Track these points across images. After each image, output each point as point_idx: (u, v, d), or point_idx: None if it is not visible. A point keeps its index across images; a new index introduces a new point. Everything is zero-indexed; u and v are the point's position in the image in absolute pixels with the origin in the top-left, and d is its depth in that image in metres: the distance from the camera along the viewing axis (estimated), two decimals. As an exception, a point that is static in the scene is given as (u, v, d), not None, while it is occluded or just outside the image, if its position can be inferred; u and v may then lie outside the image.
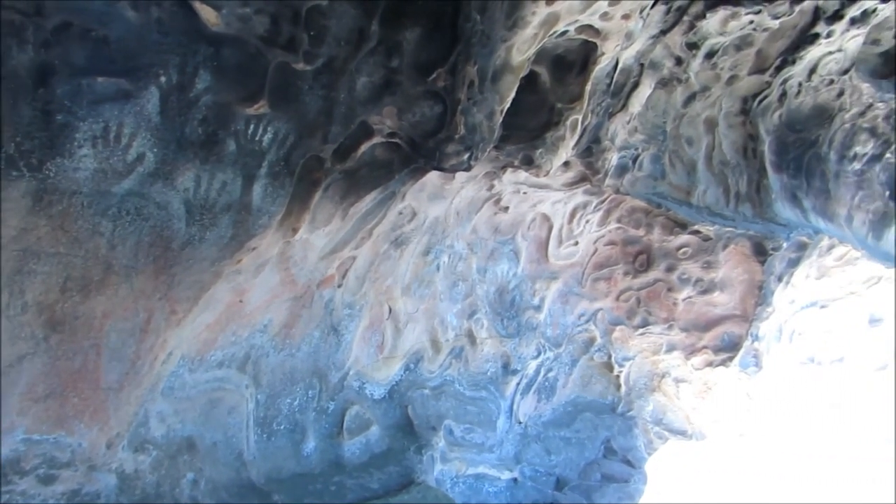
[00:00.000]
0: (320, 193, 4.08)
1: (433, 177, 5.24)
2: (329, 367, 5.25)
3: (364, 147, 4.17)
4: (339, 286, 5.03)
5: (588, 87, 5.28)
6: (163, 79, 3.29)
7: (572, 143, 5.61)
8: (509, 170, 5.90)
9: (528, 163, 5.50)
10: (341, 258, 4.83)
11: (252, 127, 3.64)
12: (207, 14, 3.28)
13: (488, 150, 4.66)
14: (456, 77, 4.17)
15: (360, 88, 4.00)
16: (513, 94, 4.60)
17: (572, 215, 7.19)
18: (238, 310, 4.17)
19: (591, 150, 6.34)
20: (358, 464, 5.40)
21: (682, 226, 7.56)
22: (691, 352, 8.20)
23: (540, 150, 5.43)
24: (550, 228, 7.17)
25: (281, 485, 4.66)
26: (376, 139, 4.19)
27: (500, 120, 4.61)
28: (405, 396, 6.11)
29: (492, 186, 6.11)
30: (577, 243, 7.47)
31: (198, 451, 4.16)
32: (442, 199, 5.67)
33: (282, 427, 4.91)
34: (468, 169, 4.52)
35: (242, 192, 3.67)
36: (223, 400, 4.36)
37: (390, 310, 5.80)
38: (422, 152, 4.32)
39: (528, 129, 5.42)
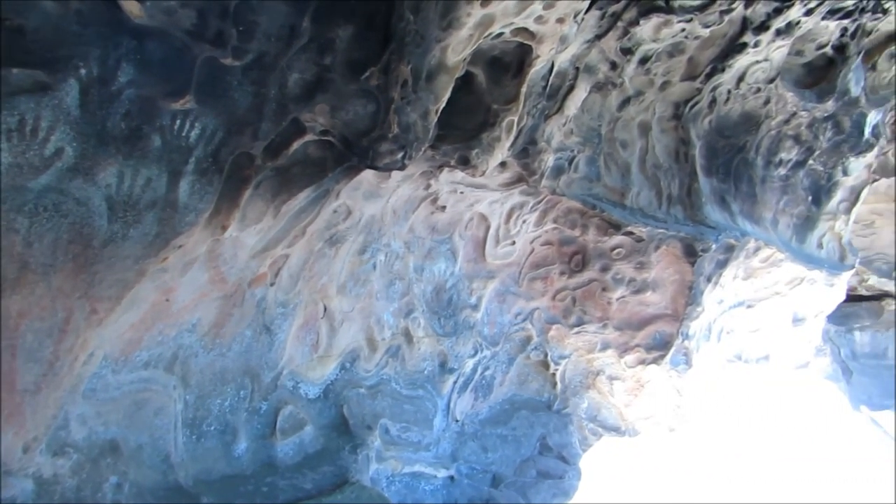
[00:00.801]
0: (251, 191, 4.00)
1: (368, 175, 5.21)
2: (261, 366, 5.16)
3: (296, 145, 4.10)
4: (272, 284, 4.95)
5: (524, 89, 5.32)
6: (83, 71, 3.17)
7: (508, 143, 5.66)
8: (446, 169, 5.91)
9: (465, 163, 5.53)
10: (273, 256, 4.75)
11: (178, 122, 3.55)
12: (130, 6, 3.18)
13: (423, 149, 4.65)
14: (389, 76, 4.15)
15: (291, 85, 3.94)
16: (448, 95, 4.60)
17: (509, 215, 7.27)
18: (164, 309, 4.06)
19: (527, 151, 6.42)
20: (291, 464, 5.33)
21: (617, 227, 7.73)
22: (624, 350, 8.42)
23: (476, 151, 5.46)
24: (488, 228, 7.23)
25: (210, 487, 4.56)
26: (308, 137, 4.13)
27: (435, 120, 4.62)
28: (340, 396, 6.07)
29: (428, 186, 6.12)
30: (514, 243, 7.55)
31: (122, 454, 4.04)
32: (378, 198, 5.64)
33: (212, 428, 4.80)
34: (402, 168, 4.50)
35: (168, 189, 3.56)
36: (149, 401, 4.24)
37: (325, 308, 5.74)
38: (355, 151, 4.28)
39: (463, 130, 5.43)
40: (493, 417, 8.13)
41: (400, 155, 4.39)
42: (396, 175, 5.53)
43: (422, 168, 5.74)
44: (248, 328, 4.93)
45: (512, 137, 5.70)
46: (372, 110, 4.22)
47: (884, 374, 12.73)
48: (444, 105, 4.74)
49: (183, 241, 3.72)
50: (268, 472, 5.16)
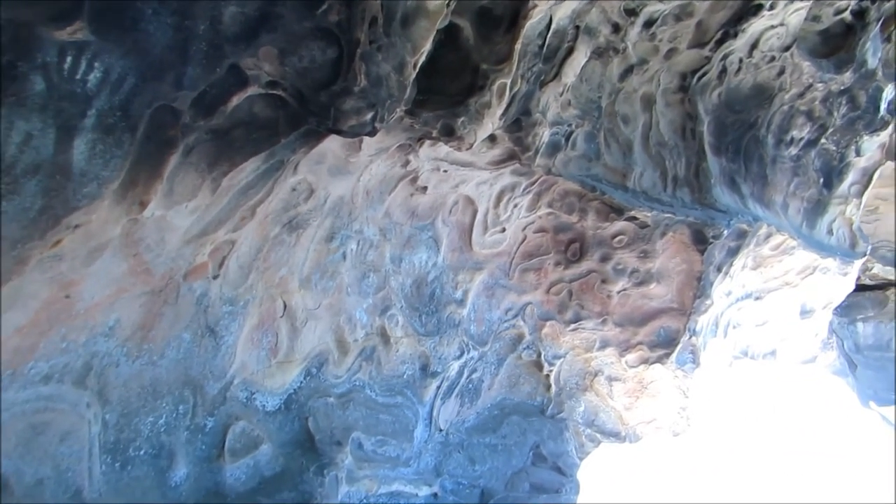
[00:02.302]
0: (178, 158, 3.13)
1: (334, 147, 4.37)
2: (205, 376, 4.29)
3: (236, 100, 3.23)
4: (215, 277, 4.08)
5: (518, 47, 4.50)
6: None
7: (499, 111, 4.84)
8: (427, 142, 5.08)
9: (449, 133, 4.70)
10: (214, 242, 3.88)
11: (70, 60, 2.66)
12: None
13: (397, 111, 3.80)
14: (353, 11, 3.28)
15: (227, 21, 3.06)
16: (428, 46, 3.77)
17: (499, 198, 6.45)
18: (65, 308, 3.17)
19: (520, 123, 5.60)
20: (243, 491, 4.48)
21: (618, 211, 6.94)
22: (626, 348, 7.66)
23: (462, 119, 4.63)
24: (475, 213, 6.41)
25: (138, 526, 3.70)
26: (252, 90, 3.25)
27: (414, 76, 3.78)
28: (305, 407, 5.21)
29: (407, 162, 5.28)
30: (504, 230, 6.74)
31: (13, 493, 3.16)
32: (346, 175, 4.79)
33: (141, 452, 3.93)
34: (372, 133, 3.66)
35: (56, 149, 2.67)
36: (52, 424, 3.36)
37: (285, 305, 4.87)
38: (312, 109, 3.42)
39: (447, 94, 4.60)
40: (482, 425, 7.31)
41: (369, 116, 3.53)
42: (368, 148, 4.67)
43: (398, 140, 4.89)
44: (186, 330, 4.05)
45: (504, 104, 4.86)
46: (332, 56, 3.34)
47: (887, 366, 12.10)
48: (423, 60, 3.89)
49: (82, 220, 2.83)
50: (214, 501, 4.31)
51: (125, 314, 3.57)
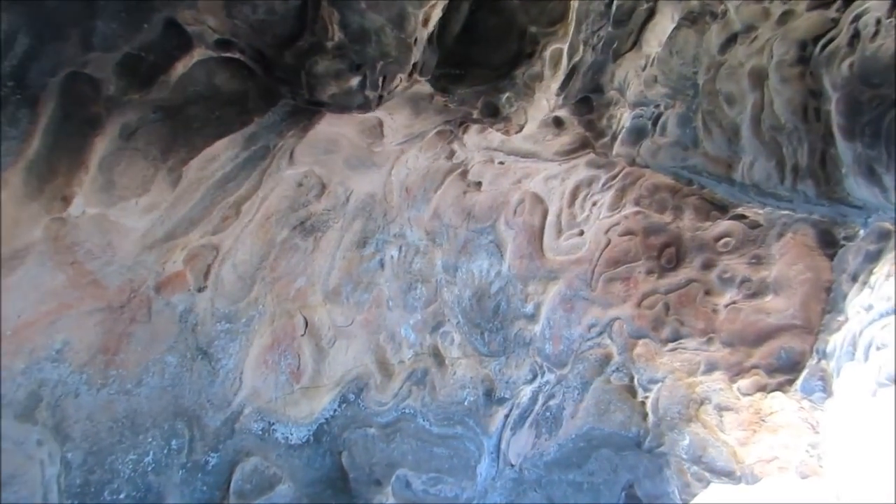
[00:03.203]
0: (110, 141, 2.54)
1: (348, 132, 3.69)
2: (202, 405, 3.69)
3: (181, 66, 2.59)
4: (201, 290, 3.47)
5: (574, 4, 3.64)
6: None
7: (555, 85, 3.98)
8: (472, 128, 4.30)
9: (493, 113, 3.89)
10: (189, 247, 3.27)
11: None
12: None
13: (399, 77, 3.03)
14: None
15: (150, -42, 2.40)
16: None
17: (574, 196, 5.53)
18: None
19: (589, 102, 4.70)
20: (251, 540, 3.82)
21: (722, 209, 5.83)
22: (737, 372, 6.49)
23: (507, 95, 3.81)
24: (545, 213, 5.52)
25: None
26: (199, 52, 2.59)
27: (427, 33, 3.01)
28: (339, 439, 4.52)
29: (452, 153, 4.51)
30: (582, 233, 5.80)
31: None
32: (372, 168, 4.09)
33: (121, 496, 3.37)
34: (367, 106, 2.92)
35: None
36: (-13, 467, 2.81)
37: (307, 322, 4.21)
38: (280, 75, 2.74)
39: (489, 66, 3.80)
40: (564, 459, 6.34)
41: (354, 82, 2.78)
42: (393, 134, 3.93)
43: (432, 124, 4.12)
44: (170, 353, 3.45)
45: (561, 76, 3.99)
46: (296, 3, 2.61)
47: None
48: (442, 16, 3.11)
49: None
50: (213, 554, 3.68)
51: (75, 335, 2.98)
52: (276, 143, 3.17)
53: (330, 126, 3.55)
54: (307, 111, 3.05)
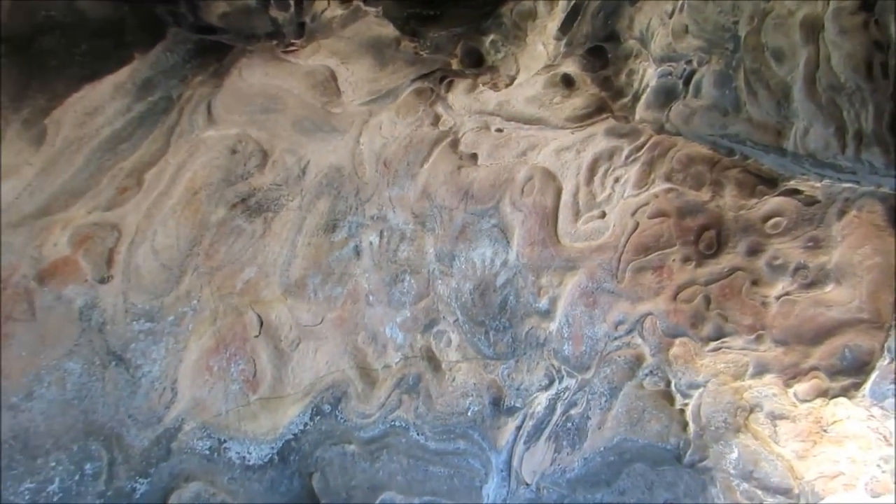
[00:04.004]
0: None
1: (295, 86, 3.03)
2: (124, 421, 3.06)
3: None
4: (103, 281, 2.82)
5: (574, -80, 2.90)
6: None
7: (553, 25, 3.22)
8: (459, 85, 3.57)
9: (476, 62, 3.17)
10: (74, 227, 2.63)
11: None
12: None
13: (328, 2, 2.32)
14: None
15: None
16: None
17: (592, 171, 4.73)
18: None
19: (603, 53, 3.91)
20: (190, 586, 3.16)
21: (770, 183, 4.95)
22: (793, 375, 5.58)
23: (492, 38, 3.08)
24: (559, 192, 4.74)
25: None
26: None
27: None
28: (310, 458, 3.83)
29: (437, 118, 3.78)
30: (604, 215, 4.99)
31: None
32: (333, 135, 3.39)
33: (13, 534, 2.72)
34: (279, 36, 2.23)
35: None
36: None
37: (261, 321, 3.53)
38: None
39: (470, 3, 3.07)
40: (591, 476, 5.55)
41: (254, 2, 2.06)
42: (353, 91, 3.23)
43: (404, 78, 3.39)
44: (71, 358, 2.80)
45: (560, 14, 3.23)
46: None
47: None
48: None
49: None
50: None
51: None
52: (180, 93, 2.50)
53: (265, 77, 2.88)
54: (214, 50, 2.39)
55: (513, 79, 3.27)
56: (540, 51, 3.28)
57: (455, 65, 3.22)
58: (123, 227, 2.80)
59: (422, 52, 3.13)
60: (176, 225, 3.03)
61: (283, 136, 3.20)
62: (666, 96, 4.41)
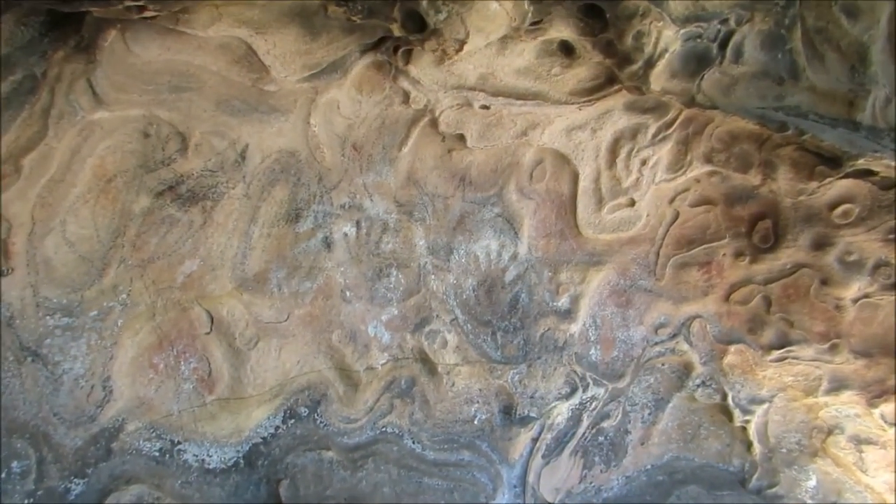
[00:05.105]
0: None
1: (212, 63, 2.78)
2: (49, 419, 2.93)
3: None
4: (4, 273, 2.68)
5: None
6: None
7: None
8: (422, 56, 3.16)
9: (418, 27, 2.75)
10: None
11: None
12: None
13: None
14: None
15: None
16: None
17: (613, 152, 4.13)
18: None
19: (600, 13, 3.35)
20: None
21: (833, 162, 4.11)
22: (878, 394, 4.73)
23: (435, -1, 2.67)
24: (575, 177, 4.18)
25: None
26: None
27: None
28: (280, 464, 3.57)
29: (406, 94, 3.39)
30: (633, 202, 4.37)
31: None
32: (274, 116, 3.11)
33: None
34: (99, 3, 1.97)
35: None
36: None
37: (211, 317, 3.32)
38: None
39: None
40: (634, 496, 4.94)
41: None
42: (283, 65, 2.93)
43: (346, 49, 3.04)
44: (-23, 354, 2.70)
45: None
46: None
47: None
48: None
49: None
50: None
51: None
52: (44, 71, 2.30)
53: (166, 52, 2.64)
54: (70, 20, 2.16)
55: (461, 43, 2.84)
56: (495, 9, 2.82)
57: (396, 30, 2.83)
58: (11, 217, 2.66)
59: (354, 18, 2.78)
60: (91, 214, 2.86)
61: (202, 117, 2.95)
62: (697, 63, 3.77)
